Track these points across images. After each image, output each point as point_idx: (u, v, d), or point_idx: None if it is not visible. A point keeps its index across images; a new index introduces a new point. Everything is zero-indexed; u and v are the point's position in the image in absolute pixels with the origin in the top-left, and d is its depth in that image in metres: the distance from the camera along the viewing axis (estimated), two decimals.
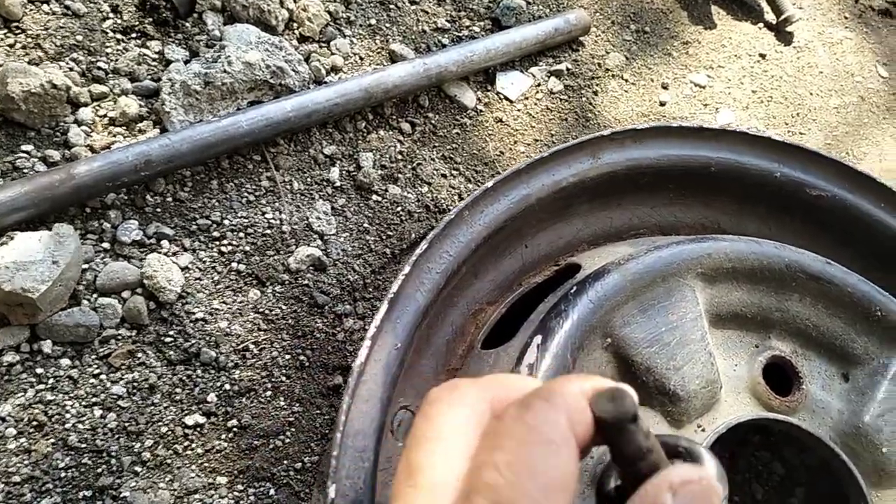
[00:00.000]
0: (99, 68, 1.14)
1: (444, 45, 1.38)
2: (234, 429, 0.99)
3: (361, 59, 1.31)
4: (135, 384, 0.98)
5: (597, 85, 1.47)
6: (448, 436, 0.40)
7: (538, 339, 0.77)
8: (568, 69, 1.46)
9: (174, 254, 1.05)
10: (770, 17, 1.72)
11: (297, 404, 1.03)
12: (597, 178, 0.93)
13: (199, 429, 0.98)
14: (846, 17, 1.83)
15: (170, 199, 1.09)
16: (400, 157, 1.25)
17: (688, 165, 0.98)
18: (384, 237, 1.18)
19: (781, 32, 1.72)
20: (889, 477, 0.86)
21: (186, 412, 0.98)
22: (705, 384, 0.82)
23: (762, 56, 1.66)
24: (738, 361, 0.90)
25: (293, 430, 1.01)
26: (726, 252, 0.88)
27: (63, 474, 0.90)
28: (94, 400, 0.95)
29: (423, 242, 0.76)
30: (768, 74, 1.64)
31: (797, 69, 1.68)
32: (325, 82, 1.25)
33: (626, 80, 1.51)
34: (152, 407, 0.97)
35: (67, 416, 0.93)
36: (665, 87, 1.54)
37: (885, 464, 0.86)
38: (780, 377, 0.91)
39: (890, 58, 1.79)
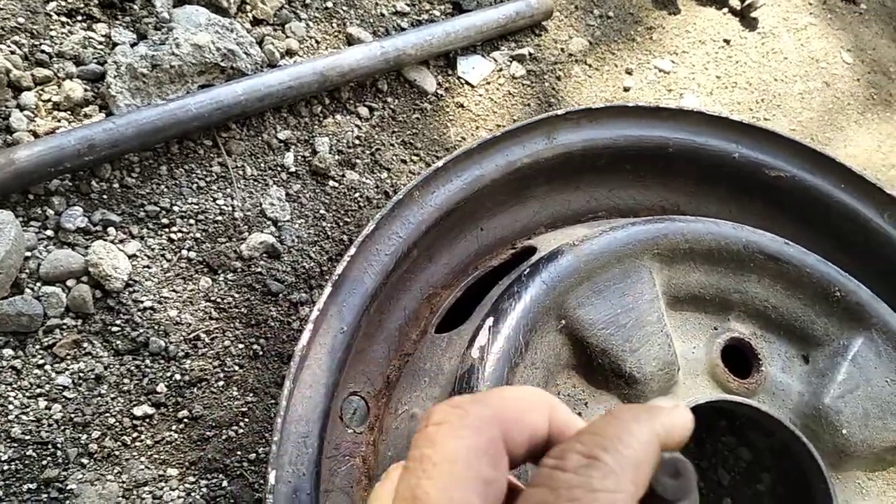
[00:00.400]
0: (42, 52, 1.10)
1: (403, 29, 1.36)
2: (185, 420, 0.96)
3: (318, 42, 1.29)
4: (81, 375, 0.94)
5: (560, 70, 1.46)
6: (459, 463, 0.36)
7: (490, 321, 0.75)
8: (530, 54, 1.44)
9: (121, 241, 1.02)
10: (735, 2, 1.71)
11: (251, 394, 1.00)
12: (552, 158, 0.91)
13: (148, 420, 0.95)
14: (811, 4, 1.83)
15: (116, 185, 1.05)
16: (358, 142, 1.23)
17: (645, 146, 0.96)
18: (341, 223, 1.15)
19: (746, 18, 1.71)
20: (849, 458, 0.86)
21: (135, 403, 0.95)
22: (662, 366, 0.81)
23: (727, 42, 1.66)
24: (696, 344, 0.89)
25: (246, 420, 0.98)
26: (683, 233, 0.87)
27: (6, 467, 0.87)
28: (38, 391, 0.92)
29: (369, 223, 0.74)
30: (733, 60, 1.64)
31: (762, 55, 1.67)
32: (280, 66, 1.22)
33: (590, 66, 1.50)
34: (99, 398, 0.94)
35: (10, 407, 0.90)
36: (629, 72, 1.52)
37: (845, 445, 0.85)
38: (739, 360, 0.90)
39: (854, 44, 1.79)
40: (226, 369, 1.00)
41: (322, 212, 1.15)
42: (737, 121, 0.97)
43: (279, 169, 1.16)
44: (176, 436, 0.95)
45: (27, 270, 0.96)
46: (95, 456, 0.92)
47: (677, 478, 0.35)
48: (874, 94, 1.72)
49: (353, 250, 0.74)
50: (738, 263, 0.88)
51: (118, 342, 0.97)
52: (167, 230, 1.05)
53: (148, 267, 1.02)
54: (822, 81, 1.70)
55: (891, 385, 0.87)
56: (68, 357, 0.95)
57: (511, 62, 1.41)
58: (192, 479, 0.94)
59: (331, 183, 1.18)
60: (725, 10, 1.70)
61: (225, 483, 0.95)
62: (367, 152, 1.23)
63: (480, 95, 1.36)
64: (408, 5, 1.39)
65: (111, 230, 1.02)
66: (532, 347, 0.76)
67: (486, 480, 0.37)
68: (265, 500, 0.60)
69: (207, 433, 0.97)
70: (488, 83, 1.38)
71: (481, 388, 0.71)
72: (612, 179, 0.99)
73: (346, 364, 0.74)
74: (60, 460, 0.90)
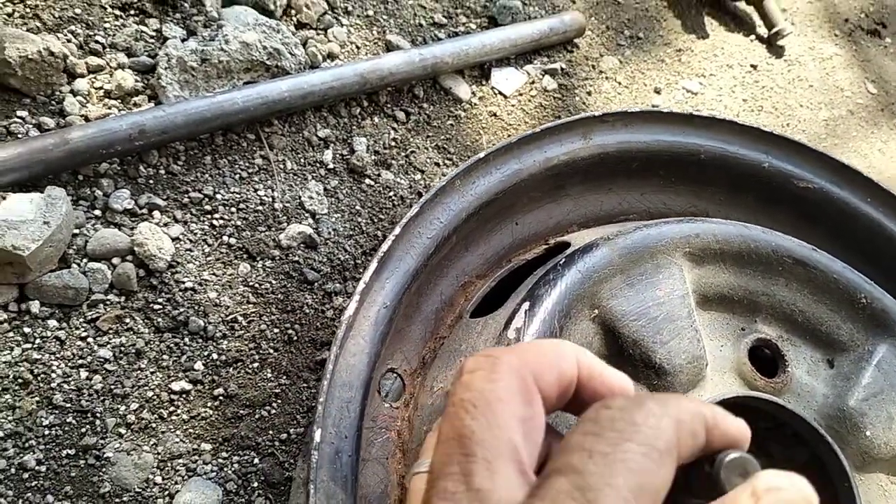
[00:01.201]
0: (96, 42, 1.15)
1: (440, 39, 1.40)
2: (221, 397, 0.99)
3: (358, 48, 1.33)
4: (122, 348, 0.97)
5: (590, 85, 1.49)
6: (497, 403, 0.38)
7: (526, 305, 0.78)
8: (562, 69, 1.48)
9: (165, 224, 1.06)
10: (762, 30, 1.75)
11: (284, 377, 1.03)
12: (588, 158, 0.94)
13: (184, 395, 0.98)
14: (836, 35, 1.87)
15: (163, 171, 1.09)
16: (394, 143, 1.26)
17: (677, 152, 0.99)
18: (376, 220, 1.18)
19: (773, 45, 1.75)
20: (872, 461, 0.87)
21: (173, 378, 0.98)
22: (691, 359, 0.83)
23: (753, 67, 1.69)
24: (723, 343, 0.91)
25: (279, 401, 1.01)
26: (714, 233, 0.89)
27: (47, 432, 0.90)
28: (80, 362, 0.95)
29: (413, 206, 0.77)
30: (759, 85, 1.67)
31: (787, 81, 1.71)
32: (322, 67, 1.26)
33: (620, 83, 1.53)
34: (138, 372, 0.97)
35: (53, 375, 0.93)
36: (658, 91, 1.56)
37: (869, 447, 0.86)
38: (765, 362, 0.92)
39: (878, 75, 1.83)
40: (261, 352, 1.03)
41: (358, 208, 1.18)
42: (767, 131, 1.00)
43: (318, 165, 1.19)
44: (211, 412, 0.98)
45: (75, 247, 1.00)
46: (133, 427, 0.94)
47: (746, 477, 0.36)
48: None
49: (397, 230, 0.77)
50: (766, 267, 0.91)
51: (159, 320, 1.00)
52: (209, 216, 1.09)
53: (190, 250, 1.05)
54: (847, 110, 1.73)
55: None
56: (110, 331, 0.98)
57: (543, 76, 1.45)
58: (224, 454, 0.96)
59: (367, 181, 1.21)
60: (753, 36, 1.74)
61: (256, 460, 0.97)
62: (403, 154, 1.26)
63: (513, 106, 1.40)
64: (445, 17, 1.43)
65: (156, 213, 1.06)
66: (566, 333, 0.79)
67: (522, 418, 0.39)
68: (310, 455, 0.62)
69: (241, 412, 0.99)
70: (521, 94, 1.42)
71: None
72: (644, 184, 1.02)
73: (388, 339, 0.76)
74: (99, 429, 0.93)
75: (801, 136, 1.63)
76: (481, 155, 0.85)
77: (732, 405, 0.87)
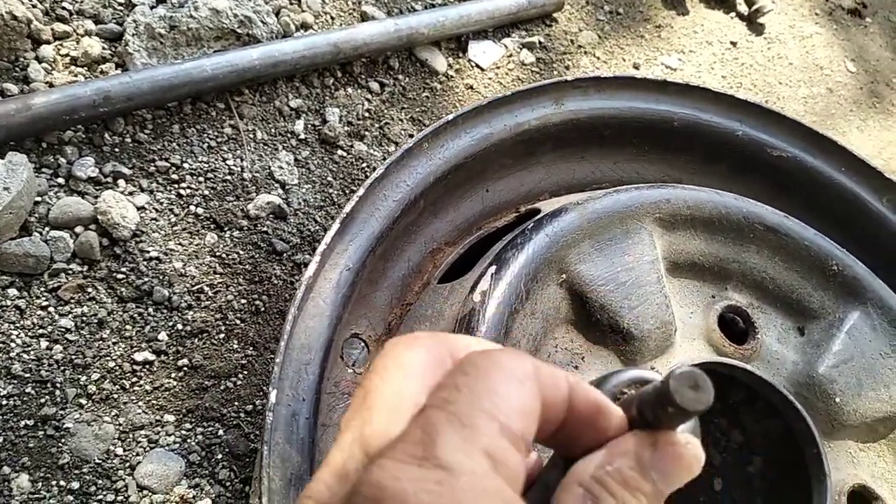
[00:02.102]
0: (63, 8, 1.12)
1: (416, 10, 1.38)
2: (185, 368, 0.97)
3: (332, 18, 1.31)
4: (84, 318, 0.95)
5: (569, 60, 1.48)
6: (408, 366, 0.38)
7: (493, 268, 0.77)
8: (540, 42, 1.46)
9: (130, 193, 1.03)
10: (742, 7, 1.74)
11: (251, 348, 1.01)
12: (560, 124, 0.93)
13: (148, 366, 0.96)
14: (817, 14, 1.86)
15: (129, 139, 1.07)
16: (367, 115, 1.25)
17: (651, 119, 0.98)
18: (348, 191, 1.17)
19: (753, 23, 1.74)
20: (842, 427, 0.86)
21: (136, 349, 0.96)
22: (659, 325, 0.82)
23: (733, 44, 1.68)
24: (693, 310, 0.90)
25: (245, 373, 0.99)
26: (685, 199, 0.88)
27: (4, 402, 0.88)
28: (40, 331, 0.93)
29: (378, 168, 0.75)
30: (738, 62, 1.66)
31: (767, 59, 1.70)
32: (294, 37, 1.24)
33: (598, 58, 1.52)
34: (100, 342, 0.95)
35: (12, 345, 0.91)
36: (637, 67, 1.55)
37: (838, 413, 0.86)
38: (735, 329, 0.91)
39: (858, 54, 1.82)
40: (227, 322, 1.01)
41: (329, 179, 1.16)
42: (741, 99, 0.99)
43: (289, 135, 1.17)
44: (175, 383, 0.96)
45: (37, 214, 0.98)
46: (94, 397, 0.92)
47: (696, 389, 0.35)
48: (876, 102, 1.74)
49: (361, 191, 0.75)
50: (737, 233, 0.90)
51: (122, 289, 0.98)
52: (176, 186, 1.07)
53: (156, 219, 1.03)
54: (826, 88, 1.72)
55: (885, 358, 0.88)
56: (72, 300, 0.96)
57: (521, 49, 1.43)
58: (188, 425, 0.95)
59: (339, 152, 1.19)
60: (733, 14, 1.73)
61: (221, 431, 0.95)
62: (377, 125, 1.25)
63: (490, 79, 1.38)
64: None
65: (121, 182, 1.04)
66: (532, 297, 0.78)
67: (432, 385, 0.38)
68: (265, 417, 0.61)
69: (206, 383, 0.97)
70: (498, 67, 1.40)
71: (481, 329, 0.72)
72: (617, 152, 1.01)
73: (350, 303, 0.75)
74: (59, 399, 0.91)
75: (787, 114, 1.62)
76: (450, 117, 0.83)
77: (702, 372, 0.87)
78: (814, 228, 0.93)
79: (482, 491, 0.32)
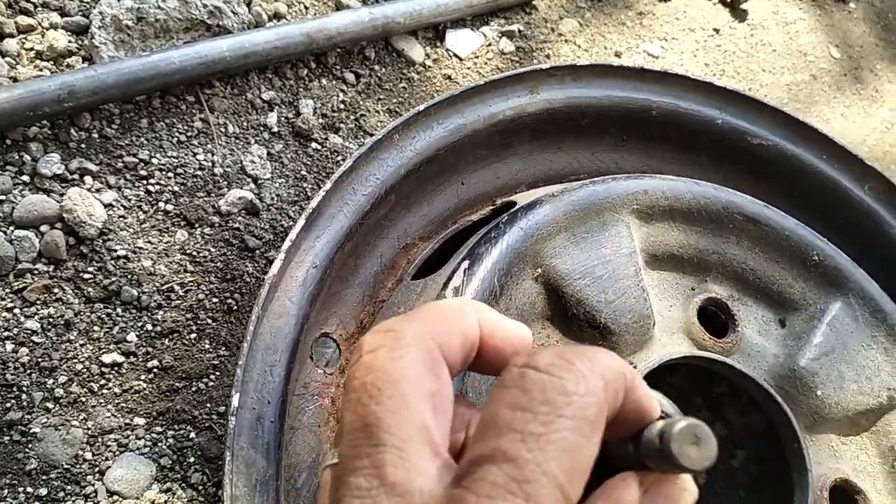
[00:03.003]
0: (27, 0, 1.09)
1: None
2: (155, 370, 0.95)
3: (306, 7, 1.28)
4: (50, 320, 0.93)
5: (549, 48, 1.46)
6: (403, 383, 0.35)
7: (466, 263, 0.75)
8: (520, 31, 1.44)
9: (97, 190, 1.01)
10: None
11: (224, 348, 0.99)
12: (535, 114, 0.91)
13: (116, 368, 0.93)
14: (800, 0, 1.84)
15: (96, 135, 1.04)
16: (343, 106, 1.22)
17: (629, 108, 0.96)
18: (322, 185, 1.14)
19: (736, 9, 1.72)
20: (823, 420, 0.85)
21: (104, 351, 0.93)
22: (637, 319, 0.80)
23: (716, 31, 1.66)
24: (673, 303, 0.88)
25: (218, 373, 0.97)
26: (663, 190, 0.86)
27: None
28: (5, 334, 0.90)
29: (347, 160, 0.73)
30: (721, 49, 1.64)
31: (750, 45, 1.68)
32: (266, 27, 1.21)
33: (579, 46, 1.50)
34: (68, 344, 0.92)
35: None
36: (618, 55, 1.52)
37: (820, 407, 0.85)
38: (716, 322, 0.90)
39: (842, 40, 1.80)
40: (199, 322, 0.99)
41: (303, 173, 1.14)
42: (720, 87, 0.97)
43: (262, 128, 1.15)
44: (144, 385, 0.94)
45: (1, 213, 0.95)
46: (61, 401, 0.90)
47: (698, 444, 0.33)
48: (860, 88, 1.73)
49: (328, 185, 0.73)
50: (717, 224, 0.88)
51: (90, 289, 0.96)
52: (145, 182, 1.04)
53: (124, 217, 1.01)
54: (810, 74, 1.70)
55: (867, 349, 0.86)
56: (38, 301, 0.93)
57: (500, 38, 1.41)
58: (158, 428, 0.92)
59: (313, 145, 1.17)
60: (716, 0, 1.71)
61: (192, 434, 0.93)
62: (352, 117, 1.22)
63: (468, 68, 1.36)
64: None
65: (88, 179, 1.01)
66: (507, 293, 0.76)
67: (431, 393, 0.36)
68: (228, 421, 0.59)
69: (177, 384, 0.95)
70: (477, 57, 1.37)
71: None
72: (595, 142, 0.99)
73: (318, 301, 0.73)
74: (25, 403, 0.88)
75: (767, 101, 1.60)
76: (421, 108, 0.81)
77: (676, 365, 0.85)
78: (795, 217, 0.92)
79: None
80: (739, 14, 1.72)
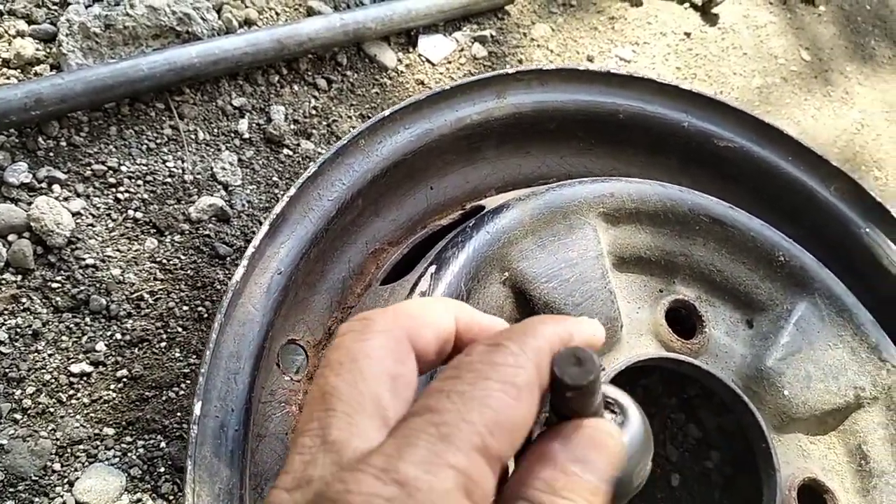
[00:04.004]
0: None
1: (363, 4, 1.35)
2: (125, 379, 0.94)
3: (277, 14, 1.28)
4: (17, 330, 0.92)
5: (521, 53, 1.46)
6: (364, 360, 0.37)
7: (433, 268, 0.75)
8: (492, 36, 1.44)
9: (66, 198, 1.00)
10: None
11: (194, 356, 0.98)
12: (502, 118, 0.91)
13: (85, 378, 0.93)
14: (770, 3, 1.86)
15: (64, 143, 1.03)
16: (314, 112, 1.22)
17: (596, 112, 0.97)
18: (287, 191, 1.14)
19: (707, 13, 1.73)
20: (791, 420, 0.86)
21: (73, 360, 0.93)
22: (605, 321, 0.81)
23: (687, 35, 1.68)
24: (640, 305, 0.89)
25: (188, 382, 0.96)
26: (629, 192, 0.87)
27: None
28: None
29: (311, 165, 0.73)
30: (693, 53, 1.66)
31: (721, 49, 1.69)
32: (236, 33, 1.20)
33: (552, 51, 1.50)
34: (36, 354, 0.92)
35: None
36: (591, 59, 1.53)
37: (788, 407, 0.85)
38: (684, 325, 0.90)
39: (812, 42, 1.83)
40: (169, 330, 0.98)
41: (275, 179, 1.14)
42: (686, 90, 0.98)
43: (232, 135, 1.14)
44: (114, 395, 0.93)
45: None
46: (29, 412, 0.89)
47: (580, 364, 0.36)
48: (830, 90, 1.75)
49: (292, 191, 0.73)
50: (683, 226, 0.89)
51: (58, 299, 0.95)
52: (114, 190, 1.03)
53: (92, 225, 1.00)
54: (781, 77, 1.72)
55: (833, 349, 0.87)
56: (6, 312, 0.92)
57: (473, 43, 1.41)
58: (129, 438, 0.92)
59: (285, 151, 1.17)
60: (687, 4, 1.72)
61: (163, 444, 0.92)
62: (324, 123, 1.22)
63: (441, 74, 1.36)
64: None
65: (56, 187, 1.00)
66: (474, 296, 0.76)
67: (392, 375, 0.37)
68: (190, 431, 0.58)
69: (147, 393, 0.94)
70: (449, 62, 1.38)
71: None
72: (563, 146, 0.99)
73: (284, 307, 0.72)
74: None
75: (733, 104, 1.62)
76: (387, 112, 0.81)
77: (649, 368, 0.86)
78: (762, 219, 0.93)
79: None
80: (710, 18, 1.74)
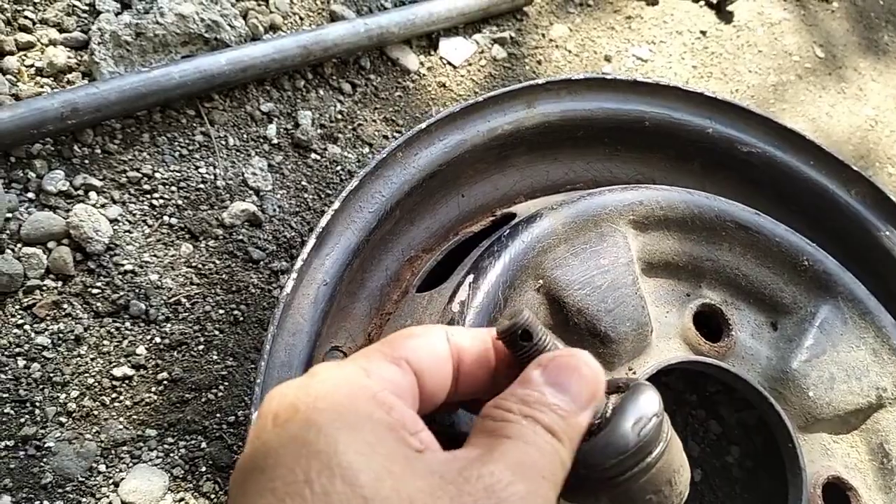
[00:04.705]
0: (25, 17, 1.10)
1: (386, 9, 1.37)
2: (165, 382, 0.97)
3: (301, 19, 1.30)
4: (60, 335, 0.94)
5: (540, 54, 1.48)
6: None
7: (470, 277, 0.77)
8: (511, 38, 1.46)
9: (102, 205, 1.02)
10: None
11: (231, 359, 1.01)
12: (532, 128, 0.93)
13: (127, 381, 0.95)
14: (785, 0, 1.87)
15: (98, 150, 1.06)
16: (340, 116, 1.24)
17: (622, 119, 0.99)
18: (323, 196, 1.16)
19: (722, 11, 1.75)
20: (815, 421, 0.88)
21: (115, 364, 0.95)
22: (636, 327, 0.83)
23: (703, 33, 1.69)
24: (669, 309, 0.91)
25: (226, 384, 0.99)
26: (658, 200, 0.89)
27: None
28: (17, 350, 0.92)
29: (353, 180, 0.75)
30: (708, 51, 1.67)
31: (736, 47, 1.71)
32: (263, 39, 1.22)
33: (570, 52, 1.52)
34: (78, 358, 0.94)
35: None
36: (608, 59, 1.55)
37: (812, 407, 0.88)
38: (710, 327, 0.93)
39: (826, 39, 1.84)
40: (206, 334, 1.01)
41: (304, 183, 1.16)
42: (710, 96, 1.00)
43: (261, 140, 1.17)
44: (155, 397, 0.96)
45: (8, 231, 0.96)
46: (74, 415, 0.92)
47: (511, 317, 0.44)
48: (845, 87, 1.76)
49: (336, 204, 0.75)
50: (710, 232, 0.91)
51: (98, 304, 0.98)
52: (149, 196, 1.06)
53: (129, 231, 1.03)
54: (795, 74, 1.74)
55: (856, 351, 0.89)
56: (48, 317, 0.95)
57: (493, 45, 1.43)
58: (170, 440, 0.94)
59: (313, 156, 1.19)
60: (702, 2, 1.74)
61: (204, 444, 0.95)
62: (350, 127, 1.24)
63: (462, 76, 1.38)
64: None
65: (92, 194, 1.03)
66: (510, 304, 0.78)
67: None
68: (247, 437, 0.61)
69: (187, 395, 0.97)
70: (470, 64, 1.40)
71: None
72: (589, 152, 1.01)
73: (329, 317, 0.75)
74: (38, 418, 0.90)
75: (749, 102, 1.64)
76: (423, 126, 0.83)
77: (684, 382, 0.88)
78: (785, 223, 0.95)
79: (335, 380, 0.38)
80: (725, 16, 1.75)
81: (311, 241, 0.72)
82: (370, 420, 0.36)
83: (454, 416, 0.52)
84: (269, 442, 0.36)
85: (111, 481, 0.90)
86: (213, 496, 0.93)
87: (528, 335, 0.43)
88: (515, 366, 0.44)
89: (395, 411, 0.37)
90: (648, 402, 0.44)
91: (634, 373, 0.84)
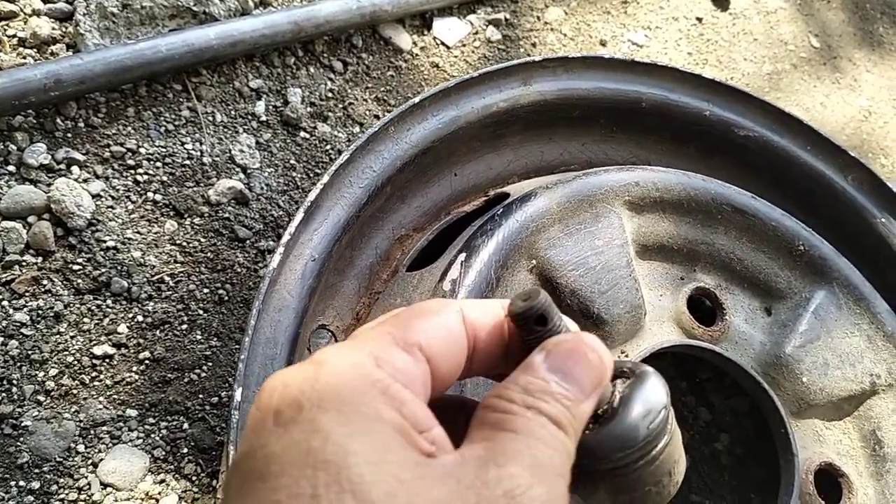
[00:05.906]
0: None
1: None
2: (147, 361, 0.94)
3: None
4: (39, 312, 0.92)
5: (535, 37, 1.46)
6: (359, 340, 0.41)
7: (462, 256, 0.75)
8: (506, 19, 1.44)
9: (85, 180, 1.00)
10: None
11: (215, 339, 0.98)
12: (528, 105, 0.91)
13: (108, 360, 0.93)
14: None
15: (82, 124, 1.03)
16: (330, 95, 1.22)
17: (619, 100, 0.97)
18: (311, 175, 1.14)
19: None
20: (808, 406, 0.87)
21: (95, 342, 0.93)
22: (629, 309, 0.82)
23: (699, 20, 1.67)
24: (663, 292, 0.89)
25: (210, 364, 0.97)
26: (654, 181, 0.87)
27: None
28: None
29: (343, 153, 0.73)
30: (704, 38, 1.66)
31: (732, 34, 1.69)
32: (253, 14, 1.20)
33: (565, 35, 1.50)
34: (58, 336, 0.92)
35: None
36: (603, 43, 1.53)
37: (805, 393, 0.87)
38: (704, 311, 0.91)
39: (821, 29, 1.83)
40: (190, 313, 0.99)
41: (292, 162, 1.14)
42: (709, 79, 0.98)
43: (250, 117, 1.14)
44: (136, 377, 0.94)
45: None
46: (52, 394, 0.90)
47: (527, 298, 0.40)
48: (839, 77, 1.75)
49: (325, 178, 0.73)
50: (706, 215, 0.89)
51: (79, 281, 0.95)
52: (133, 171, 1.03)
53: (112, 207, 1.00)
54: (790, 63, 1.72)
55: (850, 337, 0.88)
56: (27, 293, 0.92)
57: (487, 26, 1.41)
58: (151, 420, 0.92)
59: (302, 134, 1.17)
60: None
61: (186, 425, 0.93)
62: (340, 106, 1.22)
63: (455, 57, 1.36)
64: None
65: (75, 168, 1.00)
66: (503, 284, 0.76)
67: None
68: (230, 416, 0.59)
69: (169, 375, 0.95)
70: (464, 45, 1.37)
71: None
72: (585, 133, 1.00)
73: (316, 294, 0.73)
74: (15, 397, 0.88)
75: (755, 94, 1.62)
76: (416, 100, 0.81)
77: (671, 354, 0.87)
78: (780, 207, 0.93)
79: (343, 372, 0.35)
80: (721, 3, 1.73)
81: (300, 216, 0.70)
82: (380, 422, 0.34)
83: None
84: (270, 444, 0.33)
85: (90, 462, 0.88)
86: (194, 478, 0.91)
87: (543, 320, 0.40)
88: (522, 347, 0.42)
89: (407, 407, 0.35)
90: (657, 393, 0.42)
91: (627, 356, 0.82)
